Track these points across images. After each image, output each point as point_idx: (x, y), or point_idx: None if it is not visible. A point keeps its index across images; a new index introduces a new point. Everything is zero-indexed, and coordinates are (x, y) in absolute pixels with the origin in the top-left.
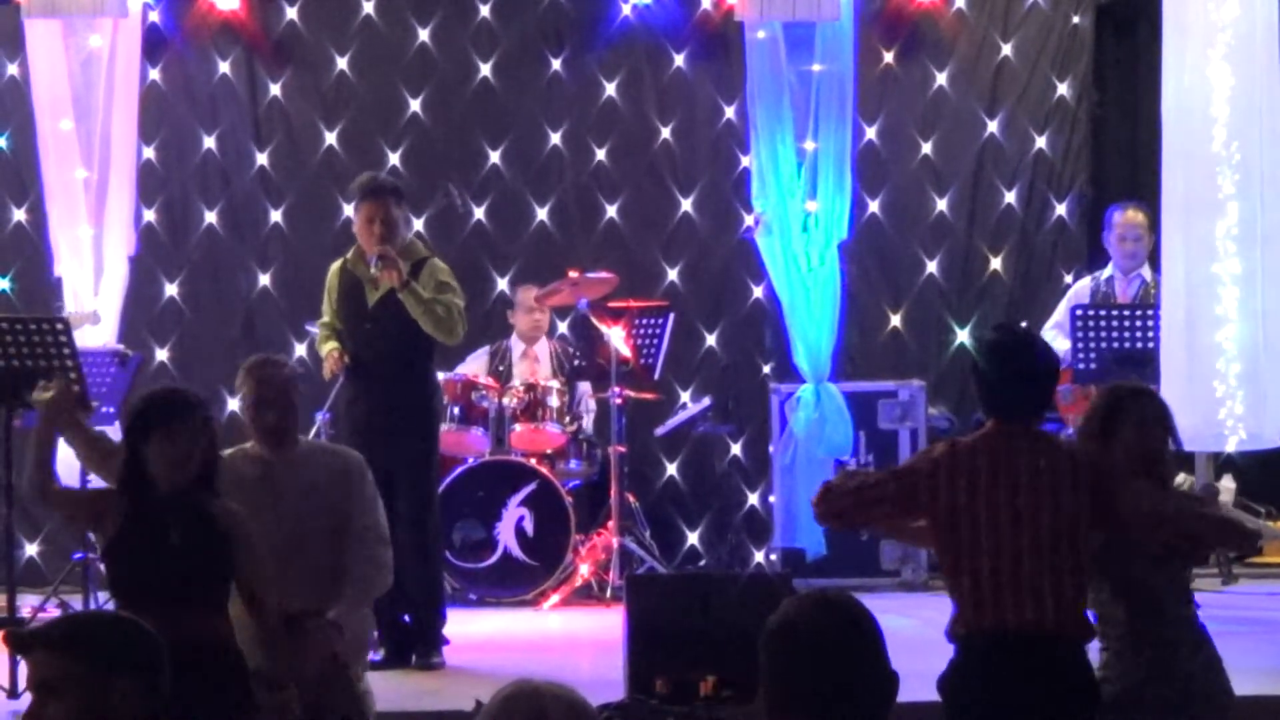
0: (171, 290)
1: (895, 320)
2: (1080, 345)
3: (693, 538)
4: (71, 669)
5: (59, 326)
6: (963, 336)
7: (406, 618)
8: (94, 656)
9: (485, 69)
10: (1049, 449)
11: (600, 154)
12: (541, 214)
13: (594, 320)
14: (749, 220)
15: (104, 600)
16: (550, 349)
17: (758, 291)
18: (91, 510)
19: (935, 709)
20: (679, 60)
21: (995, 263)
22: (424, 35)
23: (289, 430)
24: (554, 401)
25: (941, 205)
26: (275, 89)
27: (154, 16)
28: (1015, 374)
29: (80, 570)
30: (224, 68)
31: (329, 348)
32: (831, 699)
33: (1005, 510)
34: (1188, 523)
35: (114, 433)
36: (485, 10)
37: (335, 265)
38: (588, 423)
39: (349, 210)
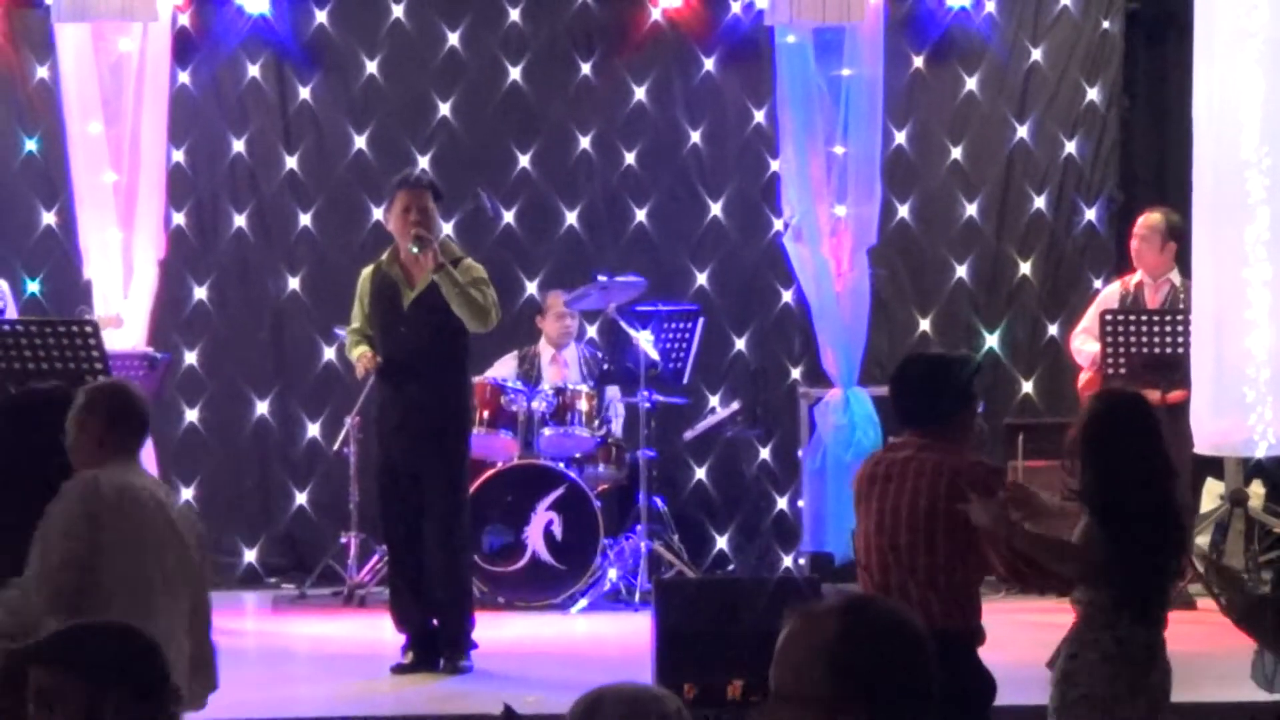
0: (200, 293)
1: (924, 325)
2: (1109, 350)
3: (721, 542)
4: (69, 682)
5: (88, 329)
6: (992, 341)
7: (435, 621)
8: (91, 668)
9: (515, 73)
10: (929, 460)
11: (629, 158)
12: (570, 218)
13: (622, 324)
14: (778, 224)
15: None
16: (579, 353)
17: (787, 296)
18: None
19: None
20: (708, 64)
21: (1024, 267)
22: (453, 39)
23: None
24: (583, 405)
25: (970, 210)
26: (305, 92)
27: (183, 20)
28: (905, 388)
29: None
30: (253, 71)
31: (360, 351)
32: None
33: (882, 516)
34: (1021, 544)
35: None
36: (515, 14)
37: (367, 270)
38: (616, 427)
39: (378, 214)
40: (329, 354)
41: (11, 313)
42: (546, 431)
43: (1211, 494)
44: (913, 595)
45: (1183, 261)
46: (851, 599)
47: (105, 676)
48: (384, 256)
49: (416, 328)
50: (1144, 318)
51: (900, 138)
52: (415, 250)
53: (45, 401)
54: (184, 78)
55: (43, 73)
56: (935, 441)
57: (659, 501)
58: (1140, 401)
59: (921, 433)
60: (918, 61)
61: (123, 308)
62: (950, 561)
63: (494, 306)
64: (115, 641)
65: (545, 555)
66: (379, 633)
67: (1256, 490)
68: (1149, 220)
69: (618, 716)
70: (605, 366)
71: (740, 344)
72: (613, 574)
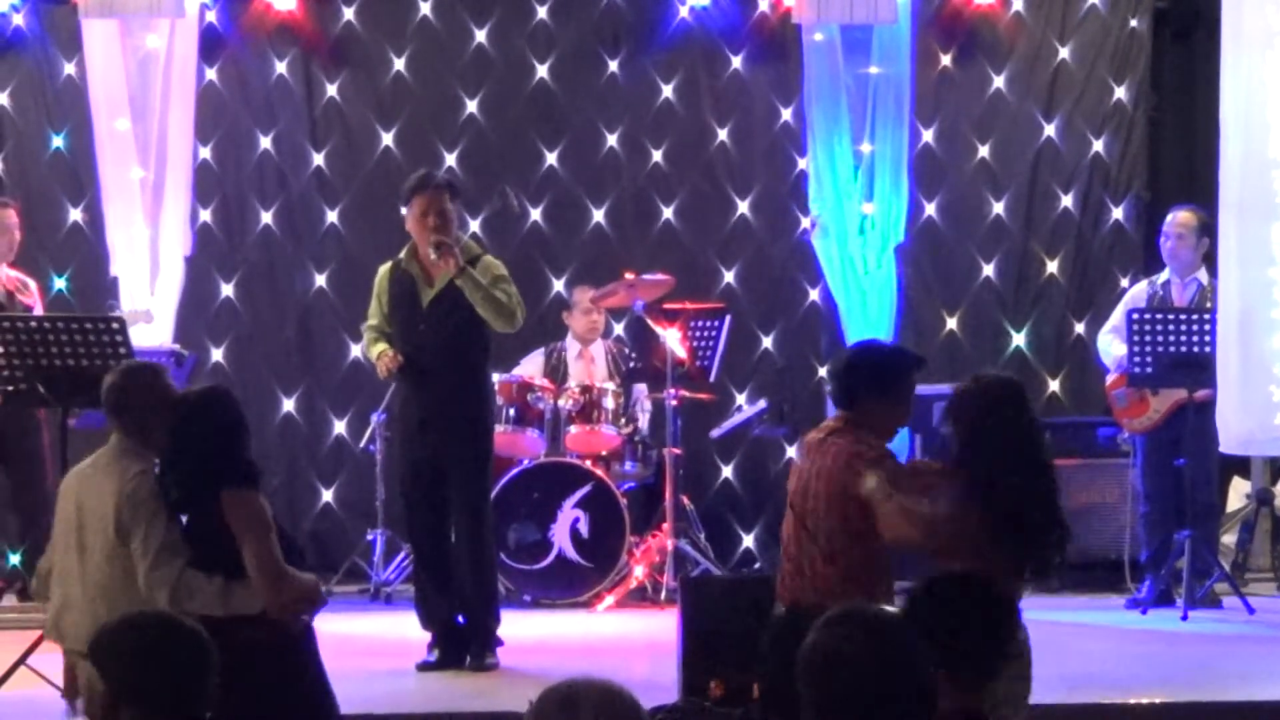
0: (227, 290)
1: (951, 323)
2: (1136, 349)
3: (748, 540)
4: (119, 674)
5: (115, 326)
6: (1019, 340)
7: (461, 618)
8: (140, 661)
9: (542, 70)
10: (833, 439)
11: (657, 156)
12: (598, 215)
13: (650, 322)
14: (805, 223)
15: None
16: (606, 350)
17: (814, 294)
18: None
19: None
20: (736, 62)
21: (1051, 266)
22: (481, 36)
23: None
24: (609, 403)
25: (998, 208)
26: (332, 89)
27: (211, 16)
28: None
29: None
30: (280, 68)
31: (380, 349)
32: (872, 717)
33: (803, 488)
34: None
35: None
36: (543, 11)
37: (384, 268)
38: (643, 424)
39: (405, 211)
40: (355, 351)
41: (39, 310)
42: (573, 429)
43: (1238, 493)
44: (818, 569)
45: (1209, 260)
46: (847, 617)
47: (158, 670)
48: (402, 254)
49: (437, 326)
50: (1171, 317)
51: (928, 136)
52: (435, 257)
53: (213, 399)
54: (211, 74)
55: (70, 69)
56: (851, 427)
57: (686, 500)
58: (1016, 384)
59: (844, 417)
60: (945, 60)
61: (149, 304)
62: (850, 541)
63: (519, 306)
64: (167, 634)
65: (572, 553)
66: (405, 630)
67: None
68: (1182, 219)
69: (596, 711)
70: (632, 364)
71: (767, 342)
72: (639, 572)
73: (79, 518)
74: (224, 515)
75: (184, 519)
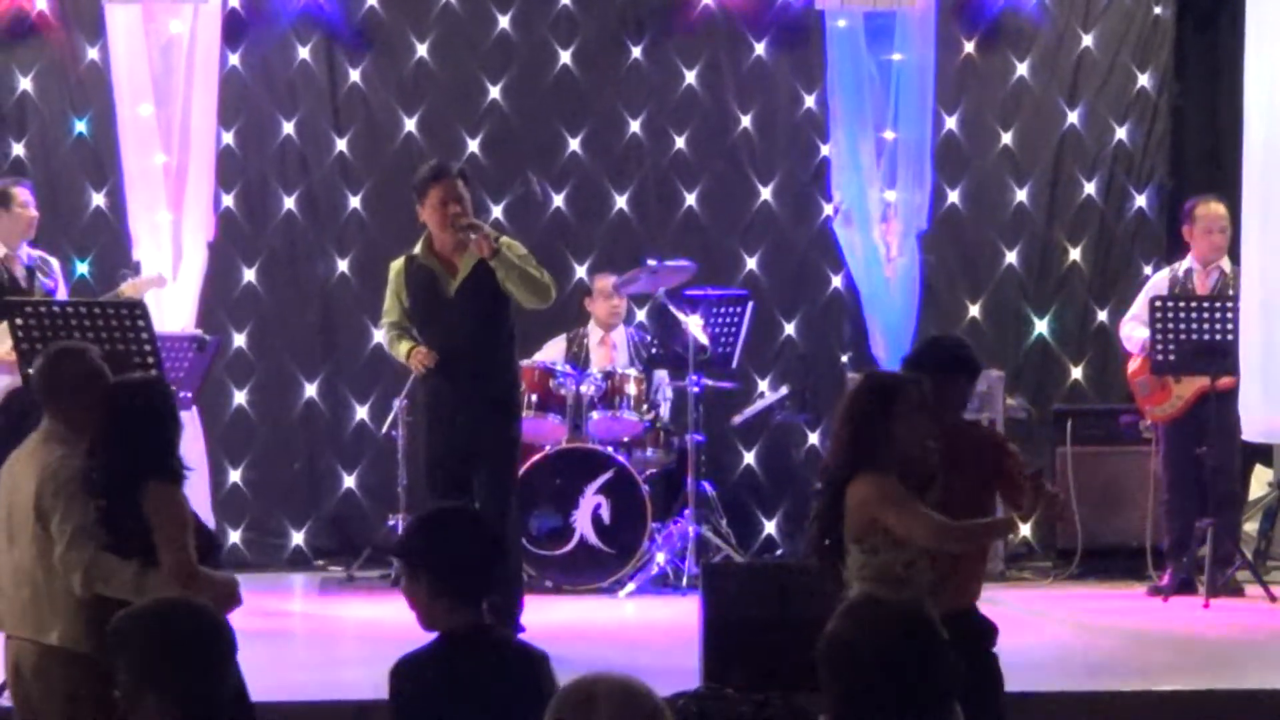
0: (249, 276)
1: (974, 310)
2: (1159, 337)
3: (769, 527)
4: (143, 660)
5: (137, 311)
6: (1041, 327)
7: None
8: (165, 647)
9: (565, 56)
10: None
11: (679, 142)
12: (620, 202)
13: (672, 308)
14: (829, 209)
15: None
16: (628, 336)
17: (836, 281)
18: None
19: (1011, 698)
20: (759, 49)
21: (1074, 253)
22: (504, 22)
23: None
24: (631, 389)
25: (1021, 196)
26: (355, 75)
27: (234, 2)
28: None
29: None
30: (303, 54)
31: (407, 346)
32: (892, 706)
33: None
34: None
35: (189, 418)
36: None
37: (397, 264)
38: (665, 411)
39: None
40: (378, 337)
41: (61, 291)
42: (595, 415)
43: (1260, 481)
44: None
45: (1232, 248)
46: (867, 606)
47: (176, 656)
48: (416, 250)
49: (463, 316)
50: (1194, 304)
51: (951, 123)
52: (473, 237)
53: (146, 390)
54: (234, 59)
55: (93, 54)
56: None
57: (707, 486)
58: (895, 385)
59: None
60: (969, 47)
61: (171, 289)
62: None
63: (551, 281)
64: (186, 618)
65: (593, 539)
66: None
67: None
68: (1219, 211)
69: (613, 708)
70: (654, 350)
71: (789, 329)
72: (660, 558)
73: (9, 503)
74: (144, 505)
75: (104, 504)
